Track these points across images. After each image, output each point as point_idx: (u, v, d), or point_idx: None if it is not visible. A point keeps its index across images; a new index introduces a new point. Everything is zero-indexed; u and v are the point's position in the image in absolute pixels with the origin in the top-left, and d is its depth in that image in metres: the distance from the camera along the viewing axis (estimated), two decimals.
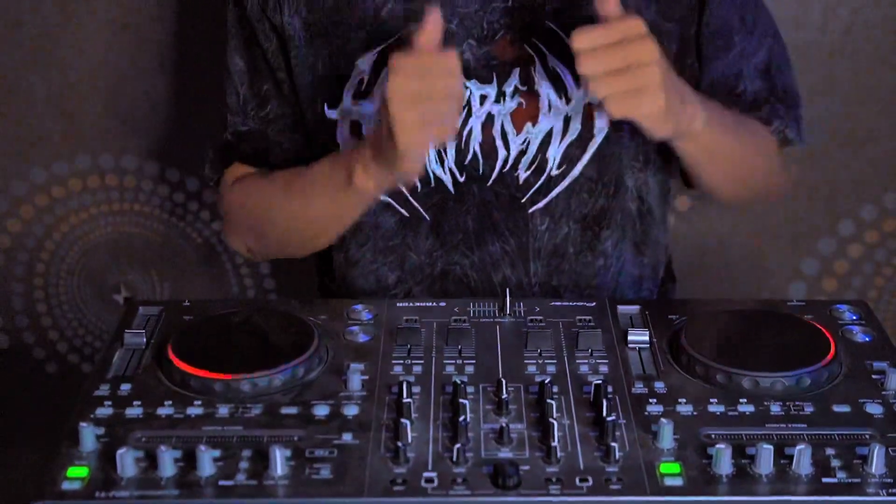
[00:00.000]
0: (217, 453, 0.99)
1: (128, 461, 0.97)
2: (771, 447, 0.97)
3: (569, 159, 1.37)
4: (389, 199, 1.40)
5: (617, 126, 1.35)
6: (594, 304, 1.25)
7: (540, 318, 1.23)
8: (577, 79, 1.32)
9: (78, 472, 0.97)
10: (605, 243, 1.41)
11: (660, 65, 1.16)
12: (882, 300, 1.91)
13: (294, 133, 1.42)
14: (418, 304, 1.26)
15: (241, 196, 1.43)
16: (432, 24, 1.15)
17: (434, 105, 1.15)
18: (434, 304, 1.26)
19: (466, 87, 1.33)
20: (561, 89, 1.34)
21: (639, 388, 1.10)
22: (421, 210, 1.39)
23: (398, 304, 1.26)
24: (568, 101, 1.34)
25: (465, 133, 1.35)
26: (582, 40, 1.14)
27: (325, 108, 1.37)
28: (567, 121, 1.35)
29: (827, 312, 1.24)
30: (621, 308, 1.24)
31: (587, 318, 1.23)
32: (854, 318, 1.23)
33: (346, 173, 1.26)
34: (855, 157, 1.83)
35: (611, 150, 1.37)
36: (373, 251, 1.43)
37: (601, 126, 1.36)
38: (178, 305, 1.26)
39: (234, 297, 1.94)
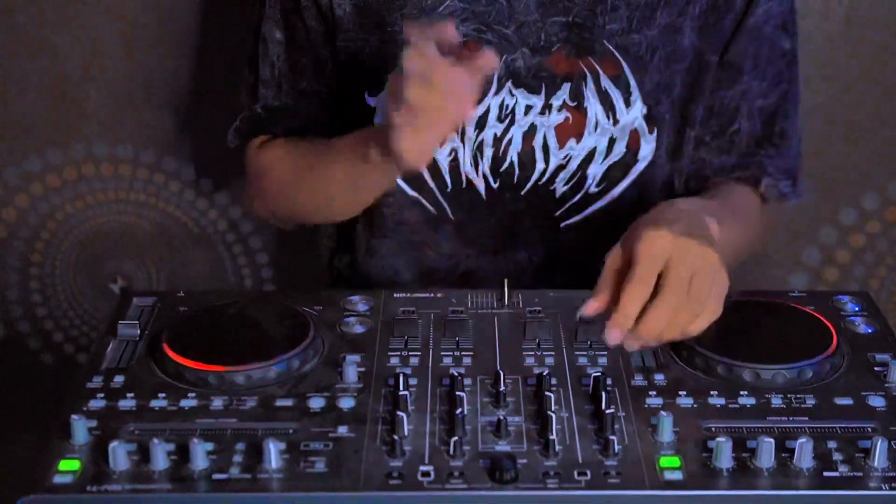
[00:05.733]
0: (211, 446, 0.98)
1: (120, 454, 0.96)
2: (772, 440, 0.96)
3: (609, 180, 1.36)
4: (418, 196, 1.39)
5: (662, 153, 1.35)
6: None
7: (539, 308, 1.21)
8: (628, 101, 1.33)
9: (69, 466, 0.96)
10: None
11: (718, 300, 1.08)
12: (884, 290, 1.90)
13: (326, 111, 1.40)
14: (415, 295, 1.24)
15: (269, 161, 1.41)
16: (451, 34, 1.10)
17: (431, 114, 1.09)
18: (431, 295, 1.25)
19: (513, 94, 1.32)
20: (609, 109, 1.33)
21: (638, 380, 1.09)
22: (448, 210, 1.38)
23: (395, 295, 1.24)
24: (616, 122, 1.34)
25: (504, 141, 1.35)
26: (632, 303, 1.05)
27: (366, 94, 1.36)
28: (612, 142, 1.35)
29: (829, 303, 1.23)
30: None
31: None
32: (856, 309, 1.22)
33: (366, 148, 1.24)
34: (856, 145, 1.82)
35: (652, 176, 1.37)
36: (393, 245, 1.42)
37: (646, 153, 1.35)
38: (173, 296, 1.25)
39: (230, 287, 1.93)
